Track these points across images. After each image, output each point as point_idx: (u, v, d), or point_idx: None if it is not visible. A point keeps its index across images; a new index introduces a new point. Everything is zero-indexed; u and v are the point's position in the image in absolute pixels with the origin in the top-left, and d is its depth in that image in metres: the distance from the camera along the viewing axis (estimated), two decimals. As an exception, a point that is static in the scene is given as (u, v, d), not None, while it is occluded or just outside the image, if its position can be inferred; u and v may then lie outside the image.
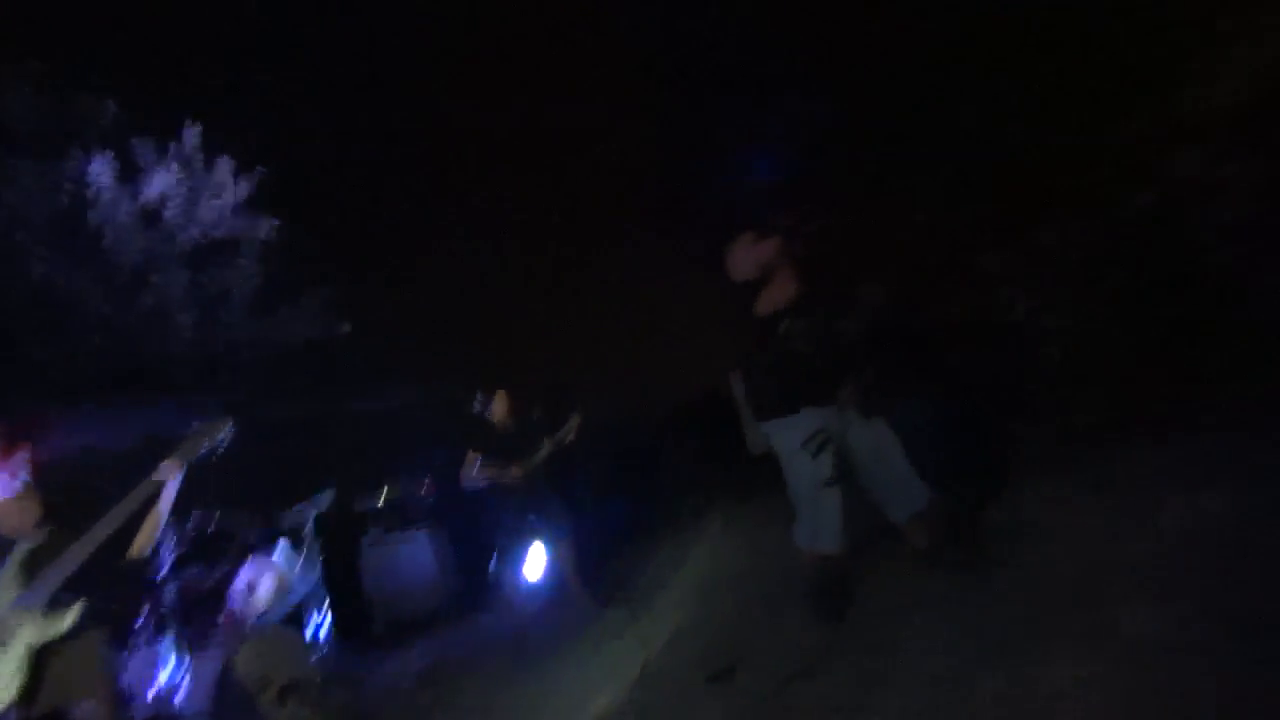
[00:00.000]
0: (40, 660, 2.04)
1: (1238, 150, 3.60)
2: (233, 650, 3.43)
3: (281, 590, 3.79)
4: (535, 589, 4.44)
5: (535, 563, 4.29)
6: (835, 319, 2.82)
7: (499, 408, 4.32)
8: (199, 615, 3.76)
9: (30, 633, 2.04)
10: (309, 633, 4.11)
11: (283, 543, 4.08)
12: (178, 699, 3.37)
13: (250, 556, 3.88)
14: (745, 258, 2.86)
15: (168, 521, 2.47)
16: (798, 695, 2.12)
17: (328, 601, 4.27)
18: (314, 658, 3.78)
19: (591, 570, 4.38)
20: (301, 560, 4.13)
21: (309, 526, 4.38)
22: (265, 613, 3.73)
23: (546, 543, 4.19)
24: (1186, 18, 3.89)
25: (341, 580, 4.76)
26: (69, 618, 2.11)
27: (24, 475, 2.22)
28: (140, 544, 2.36)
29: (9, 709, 1.97)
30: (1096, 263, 4.06)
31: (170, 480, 2.36)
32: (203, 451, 2.46)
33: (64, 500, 2.30)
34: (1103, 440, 3.31)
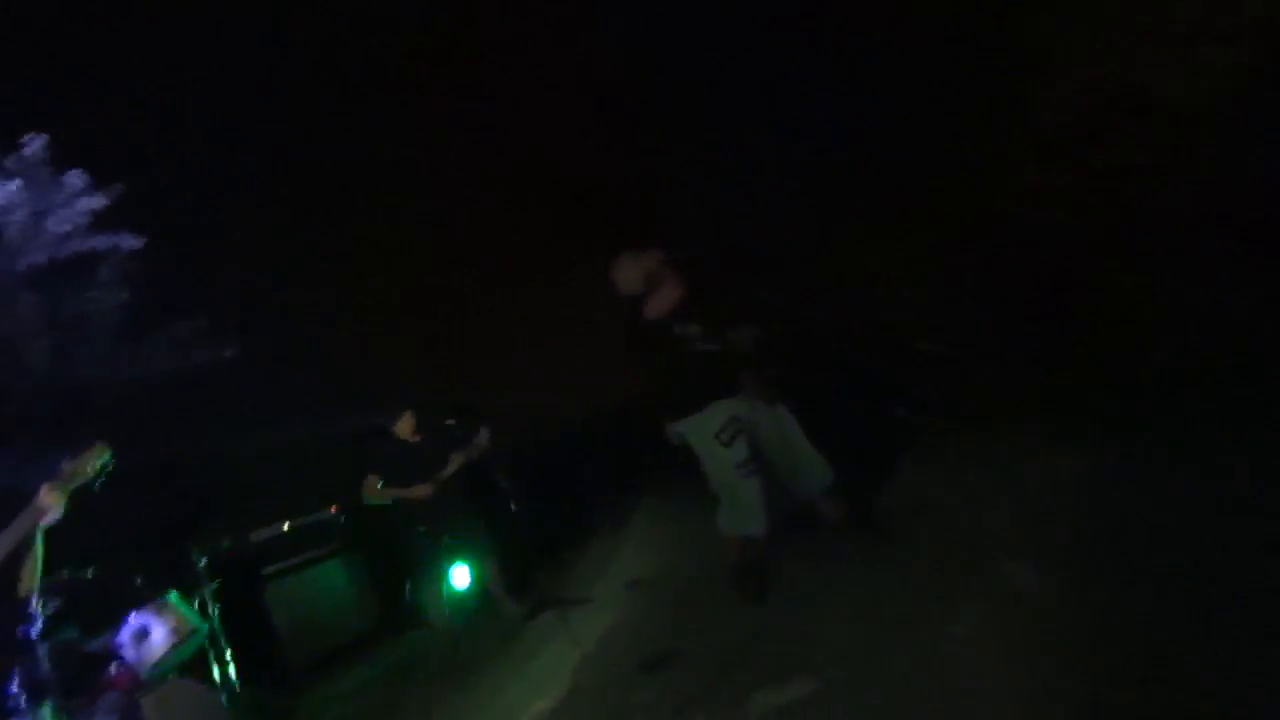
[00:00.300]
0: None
1: (1079, 163, 4.14)
2: (126, 710, 3.11)
3: (177, 637, 3.48)
4: (460, 603, 4.36)
5: (458, 577, 4.22)
6: (728, 320, 2.99)
7: (404, 425, 4.22)
8: (83, 677, 3.36)
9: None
10: (215, 681, 3.79)
11: (172, 589, 3.74)
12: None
13: (136, 605, 3.52)
14: (629, 272, 3.02)
15: (36, 578, 2.21)
16: (729, 678, 2.24)
17: (231, 645, 3.96)
18: (222, 707, 3.50)
19: (517, 580, 4.36)
20: (195, 603, 3.80)
21: (200, 566, 4.05)
22: (160, 665, 3.41)
23: (466, 558, 4.13)
24: (1030, 41, 4.40)
25: (244, 619, 4.44)
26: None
27: None
28: (27, 587, 2.09)
29: None
30: (969, 266, 4.54)
31: (42, 521, 2.12)
32: (79, 484, 2.24)
33: None
34: (976, 424, 3.71)
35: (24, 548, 2.09)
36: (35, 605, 3.00)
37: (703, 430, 2.84)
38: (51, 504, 2.14)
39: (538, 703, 2.73)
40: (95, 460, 2.28)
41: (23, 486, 2.18)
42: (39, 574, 2.17)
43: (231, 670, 3.92)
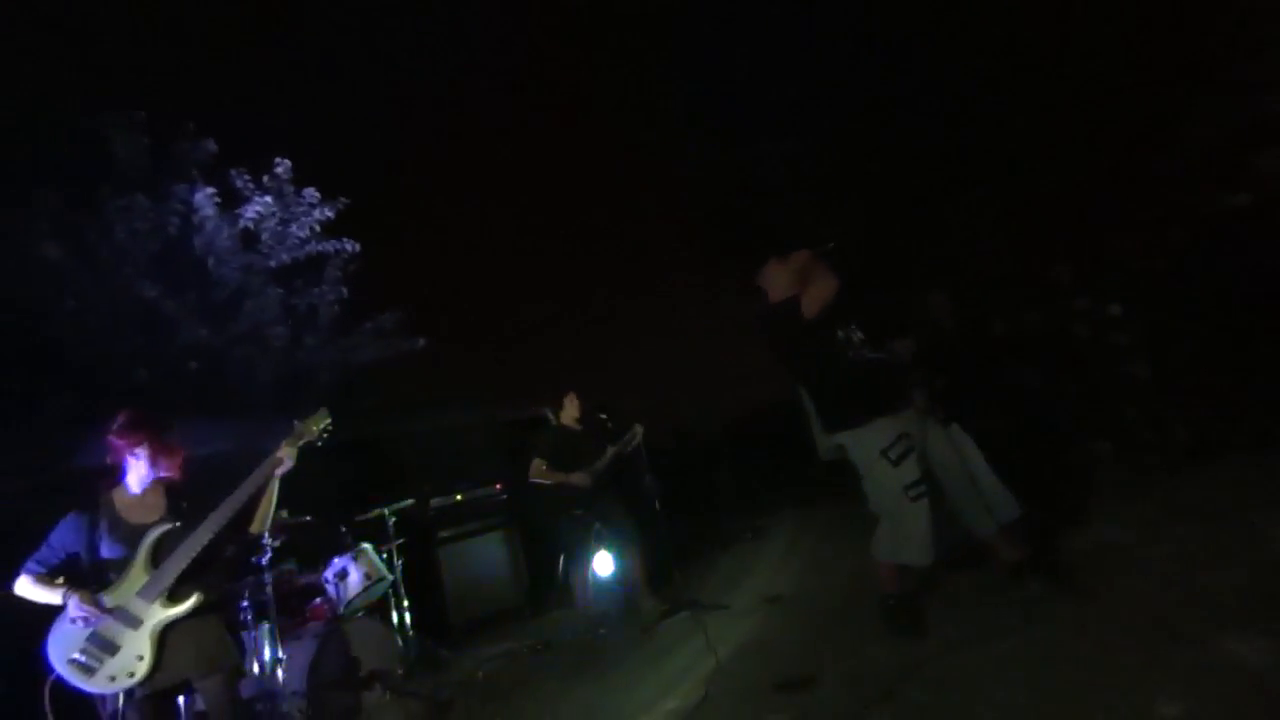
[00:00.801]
0: (167, 638, 2.27)
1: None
2: (324, 637, 3.67)
3: (370, 581, 4.03)
4: (603, 590, 4.53)
5: (602, 565, 4.38)
6: (893, 326, 2.74)
7: (569, 409, 4.44)
8: (293, 604, 4.05)
9: (159, 613, 2.27)
10: (393, 624, 4.33)
11: (367, 541, 4.35)
12: (278, 678, 3.63)
13: (339, 552, 4.15)
14: (779, 273, 2.85)
15: (270, 517, 2.70)
16: (871, 717, 2.07)
17: (408, 596, 4.50)
18: (398, 647, 3.98)
19: (657, 576, 4.43)
20: (384, 557, 4.37)
21: (390, 525, 4.63)
22: (353, 602, 3.97)
23: (612, 547, 4.27)
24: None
25: (421, 576, 5.02)
26: (191, 600, 2.33)
27: (152, 473, 2.47)
28: (259, 524, 2.59)
29: (145, 679, 2.21)
30: (1177, 273, 3.80)
31: (278, 470, 2.57)
32: (307, 441, 2.67)
33: (181, 497, 2.53)
34: (1190, 464, 3.09)
35: (260, 492, 2.53)
36: (267, 540, 3.70)
37: (868, 445, 2.62)
38: (286, 456, 2.57)
39: (670, 703, 2.73)
40: (319, 422, 2.72)
41: (262, 447, 2.67)
42: (272, 515, 2.61)
43: (407, 617, 4.44)
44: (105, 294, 6.02)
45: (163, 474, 2.49)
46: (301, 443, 2.65)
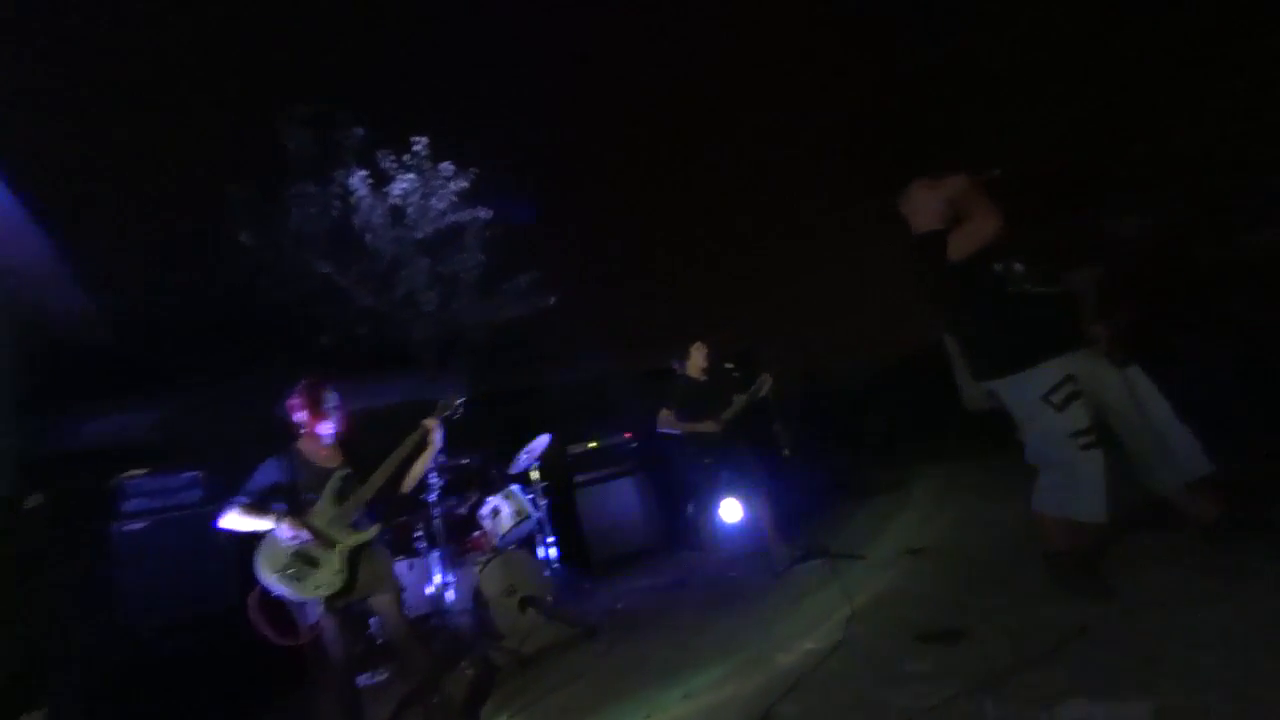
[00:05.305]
0: (352, 561, 2.67)
1: None
2: (485, 564, 4.10)
3: (519, 518, 4.42)
4: (733, 535, 4.59)
5: (731, 511, 4.43)
6: (1064, 257, 2.38)
7: (696, 358, 4.45)
8: (457, 535, 4.56)
9: (346, 541, 2.66)
10: (541, 555, 4.74)
11: (517, 481, 4.75)
12: (446, 599, 4.14)
13: (493, 490, 4.58)
14: (926, 200, 2.54)
15: (433, 461, 3.06)
16: (1033, 675, 1.92)
17: (553, 532, 4.87)
18: (547, 576, 4.35)
19: (790, 524, 4.39)
20: (532, 496, 4.75)
21: (535, 467, 5.00)
22: (506, 535, 4.39)
23: (742, 494, 4.29)
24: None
25: (563, 514, 5.42)
26: (370, 532, 2.71)
27: (336, 425, 2.87)
28: (414, 477, 3.02)
29: (337, 594, 2.61)
30: None
31: (433, 430, 3.00)
32: (449, 412, 3.12)
33: (357, 446, 2.94)
34: None
35: (411, 455, 2.96)
36: (431, 483, 4.19)
37: (1026, 389, 2.36)
38: (430, 428, 3.02)
39: (807, 643, 2.73)
40: (455, 399, 3.17)
41: (422, 399, 3.05)
42: (423, 469, 3.05)
43: (553, 551, 4.82)
44: (293, 271, 6.96)
45: (332, 429, 2.90)
46: (442, 416, 3.08)
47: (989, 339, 2.50)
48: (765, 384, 4.36)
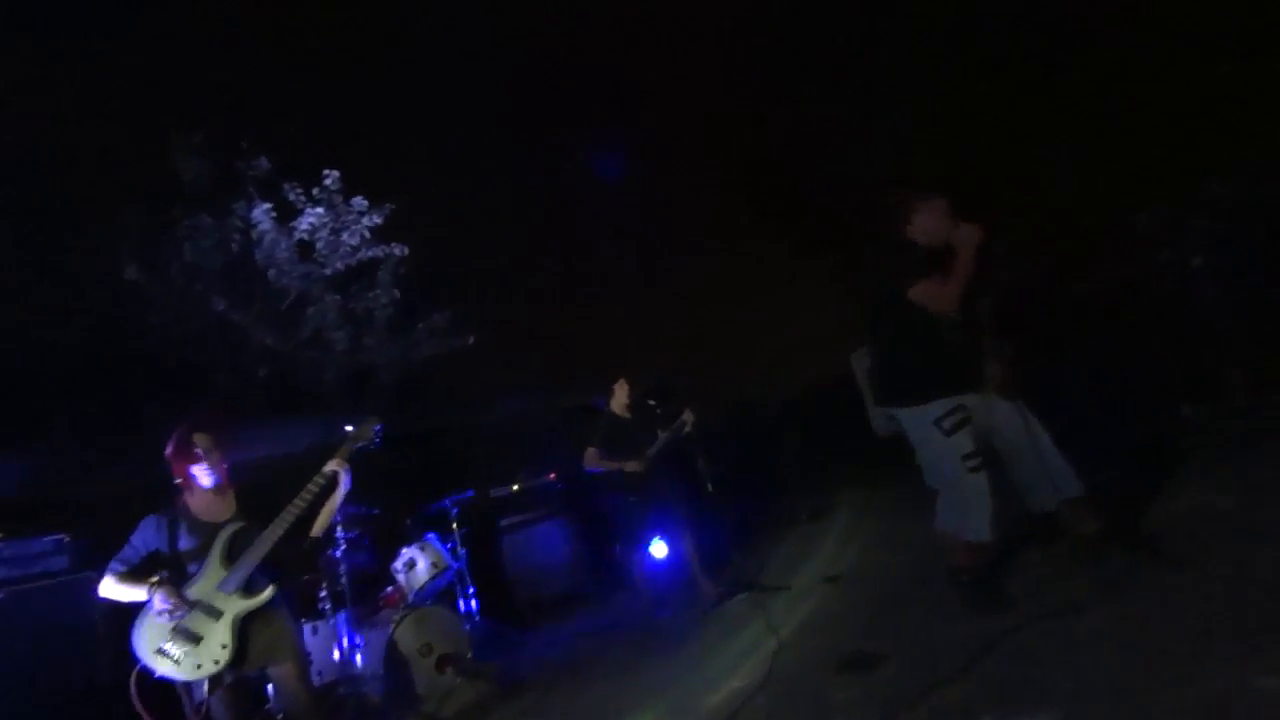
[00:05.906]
0: (243, 630, 2.40)
1: None
2: (398, 623, 3.82)
3: (435, 570, 4.17)
4: (660, 574, 4.53)
5: (658, 549, 4.38)
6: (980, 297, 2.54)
7: (619, 395, 4.44)
8: (367, 592, 4.24)
9: (236, 606, 2.40)
10: (460, 609, 4.48)
11: (432, 531, 4.50)
12: (355, 663, 3.81)
13: (406, 541, 4.31)
14: (938, 226, 2.50)
15: (338, 512, 2.82)
16: (949, 693, 1.98)
17: (475, 582, 4.64)
18: (466, 632, 4.10)
19: (715, 559, 4.39)
20: (450, 545, 4.51)
21: (453, 514, 4.77)
22: (422, 590, 4.12)
23: (667, 532, 4.26)
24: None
25: (484, 562, 5.18)
26: (264, 594, 2.45)
27: (221, 472, 2.61)
28: (319, 528, 2.71)
29: (224, 669, 2.34)
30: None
31: (340, 474, 2.70)
32: (359, 447, 2.80)
33: (250, 495, 2.67)
34: None
35: (315, 501, 2.64)
36: (336, 536, 3.89)
37: (921, 416, 2.50)
38: (338, 465, 2.70)
39: (735, 682, 2.71)
40: (369, 428, 2.84)
41: (329, 442, 2.78)
42: (330, 516, 2.73)
43: (474, 603, 4.58)
44: (184, 308, 6.43)
45: (212, 476, 2.58)
46: (357, 446, 2.77)
47: (899, 368, 2.63)
48: (688, 421, 4.40)
